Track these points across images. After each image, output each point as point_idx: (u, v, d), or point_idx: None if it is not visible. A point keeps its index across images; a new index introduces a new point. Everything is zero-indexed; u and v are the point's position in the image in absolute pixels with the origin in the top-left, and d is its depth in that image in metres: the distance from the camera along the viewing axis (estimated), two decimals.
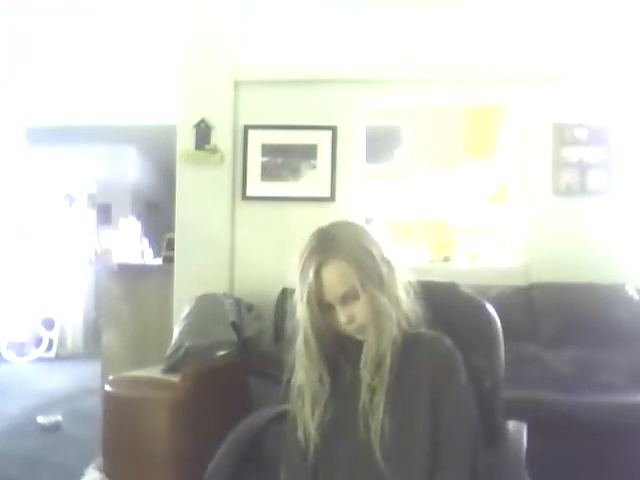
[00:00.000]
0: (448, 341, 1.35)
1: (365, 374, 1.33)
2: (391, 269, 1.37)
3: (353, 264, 1.32)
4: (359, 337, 1.36)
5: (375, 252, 1.36)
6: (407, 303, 1.38)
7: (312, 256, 1.34)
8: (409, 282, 1.41)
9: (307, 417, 1.37)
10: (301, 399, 1.39)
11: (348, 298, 1.33)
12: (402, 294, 1.38)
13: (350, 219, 1.49)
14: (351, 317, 1.34)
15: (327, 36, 3.94)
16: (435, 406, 1.28)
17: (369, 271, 1.33)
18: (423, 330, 1.38)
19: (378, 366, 1.33)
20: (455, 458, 1.27)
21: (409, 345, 1.34)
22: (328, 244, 1.34)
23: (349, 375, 1.37)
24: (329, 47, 3.89)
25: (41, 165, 7.27)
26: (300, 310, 1.35)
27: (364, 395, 1.33)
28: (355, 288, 1.32)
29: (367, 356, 1.33)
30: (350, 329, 1.35)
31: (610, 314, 3.23)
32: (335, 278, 1.33)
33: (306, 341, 1.36)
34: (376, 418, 1.30)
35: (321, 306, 1.34)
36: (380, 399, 1.31)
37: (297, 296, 1.36)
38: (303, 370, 1.38)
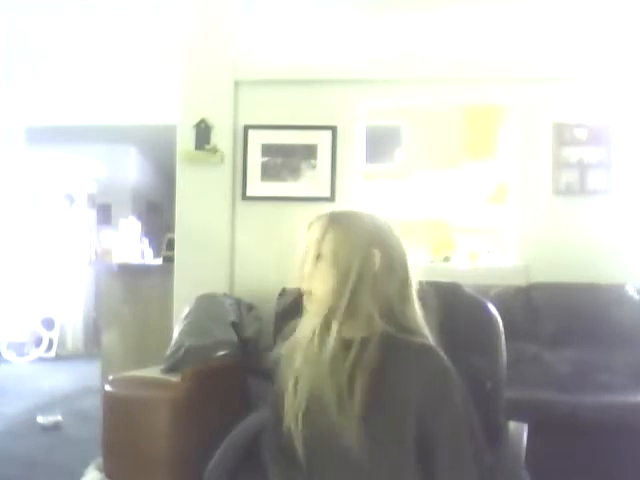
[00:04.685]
0: (438, 354, 1.30)
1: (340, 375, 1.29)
2: (390, 269, 1.32)
3: (347, 243, 1.31)
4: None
5: (377, 248, 1.31)
6: (400, 304, 1.33)
7: (318, 219, 1.37)
8: (414, 282, 1.36)
9: (291, 402, 1.33)
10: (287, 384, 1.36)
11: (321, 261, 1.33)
12: (396, 295, 1.32)
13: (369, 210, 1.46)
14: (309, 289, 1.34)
15: (327, 36, 3.93)
16: (422, 419, 1.25)
17: (359, 261, 1.30)
18: (411, 338, 1.32)
19: (355, 366, 1.29)
20: (458, 467, 1.26)
21: (392, 347, 1.30)
22: (340, 216, 1.37)
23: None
24: (329, 47, 3.88)
25: (41, 165, 7.27)
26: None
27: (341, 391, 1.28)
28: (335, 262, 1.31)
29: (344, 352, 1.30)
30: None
31: (610, 314, 3.22)
32: (332, 241, 1.32)
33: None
34: (355, 417, 1.26)
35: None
36: (357, 400, 1.27)
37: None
38: (299, 328, 1.37)
